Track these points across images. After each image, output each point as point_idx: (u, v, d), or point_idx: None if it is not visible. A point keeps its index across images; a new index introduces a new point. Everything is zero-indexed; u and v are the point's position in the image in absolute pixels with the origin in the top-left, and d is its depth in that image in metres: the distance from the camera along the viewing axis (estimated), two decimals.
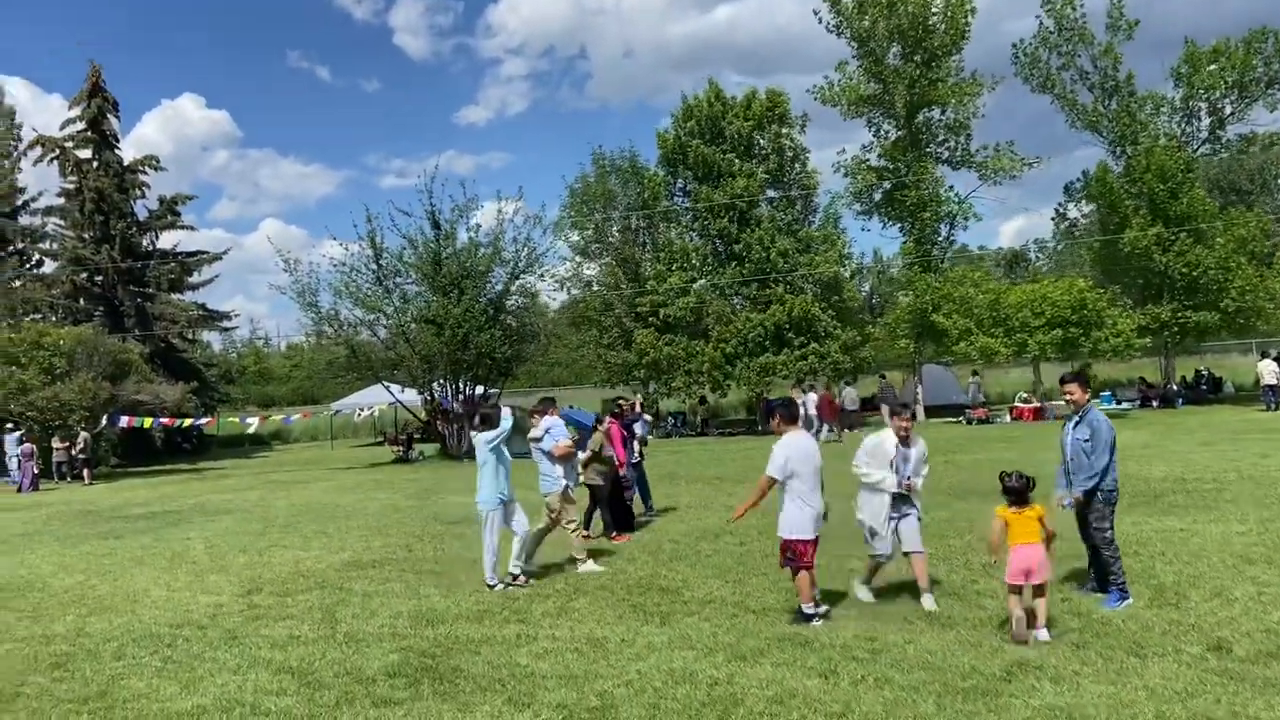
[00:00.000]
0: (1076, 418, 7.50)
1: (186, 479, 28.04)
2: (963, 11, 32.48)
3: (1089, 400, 7.68)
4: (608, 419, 12.74)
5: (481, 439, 9.52)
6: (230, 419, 35.45)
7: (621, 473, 12.25)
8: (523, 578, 9.38)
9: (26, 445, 26.77)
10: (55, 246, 39.92)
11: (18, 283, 38.74)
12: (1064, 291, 29.64)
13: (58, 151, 38.21)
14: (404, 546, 12.11)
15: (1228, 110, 33.09)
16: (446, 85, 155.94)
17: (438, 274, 27.65)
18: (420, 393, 29.59)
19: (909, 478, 7.56)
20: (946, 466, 17.47)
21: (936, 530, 10.39)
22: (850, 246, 34.45)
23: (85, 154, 38.35)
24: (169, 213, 41.02)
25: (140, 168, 40.05)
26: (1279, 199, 61.32)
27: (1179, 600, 7.26)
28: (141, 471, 31.96)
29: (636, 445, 13.66)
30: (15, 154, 46.26)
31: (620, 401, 14.44)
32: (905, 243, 34.51)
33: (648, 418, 32.27)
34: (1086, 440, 7.31)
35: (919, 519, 7.70)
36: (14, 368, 28.24)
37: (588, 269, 36.24)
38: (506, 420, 9.59)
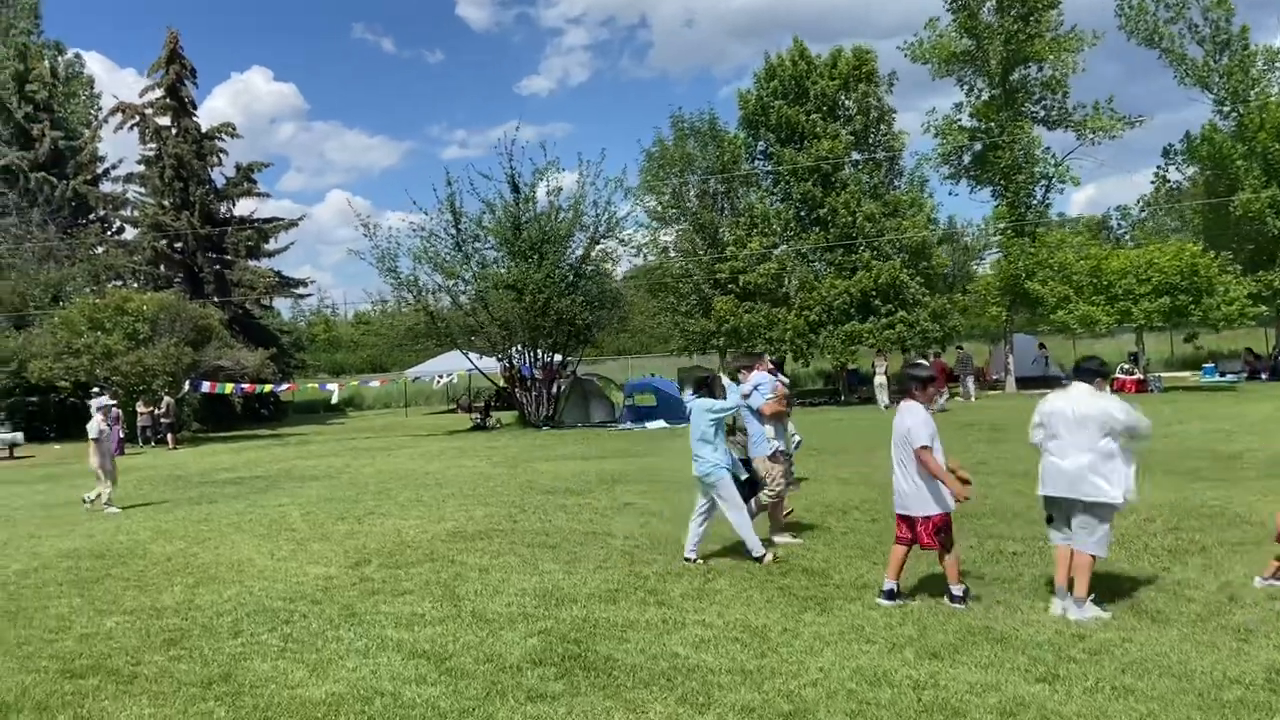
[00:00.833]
0: None
1: (268, 444, 28.10)
2: None
3: None
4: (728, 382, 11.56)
5: (702, 406, 8.48)
6: (310, 385, 35.51)
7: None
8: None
9: (113, 410, 26.95)
10: (136, 213, 40.34)
11: (100, 249, 39.26)
12: (1172, 257, 27.97)
13: (138, 118, 38.47)
14: (507, 517, 11.55)
15: None
16: (508, 55, 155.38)
17: (517, 238, 27.09)
18: (500, 360, 29.15)
19: None
20: None
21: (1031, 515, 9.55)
22: (937, 211, 32.94)
23: (164, 121, 38.54)
24: (245, 180, 41.16)
25: (217, 134, 40.17)
26: None
27: None
28: (222, 436, 32.23)
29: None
30: (95, 123, 46.96)
31: (760, 358, 12.69)
32: (998, 206, 32.98)
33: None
34: None
35: None
36: (99, 333, 28.48)
37: (664, 235, 35.36)
38: (734, 391, 8.68)
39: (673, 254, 35.30)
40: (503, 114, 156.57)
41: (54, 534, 12.11)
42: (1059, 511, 6.42)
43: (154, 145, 38.33)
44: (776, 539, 9.09)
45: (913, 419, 6.61)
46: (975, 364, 31.41)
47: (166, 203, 38.38)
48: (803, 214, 32.04)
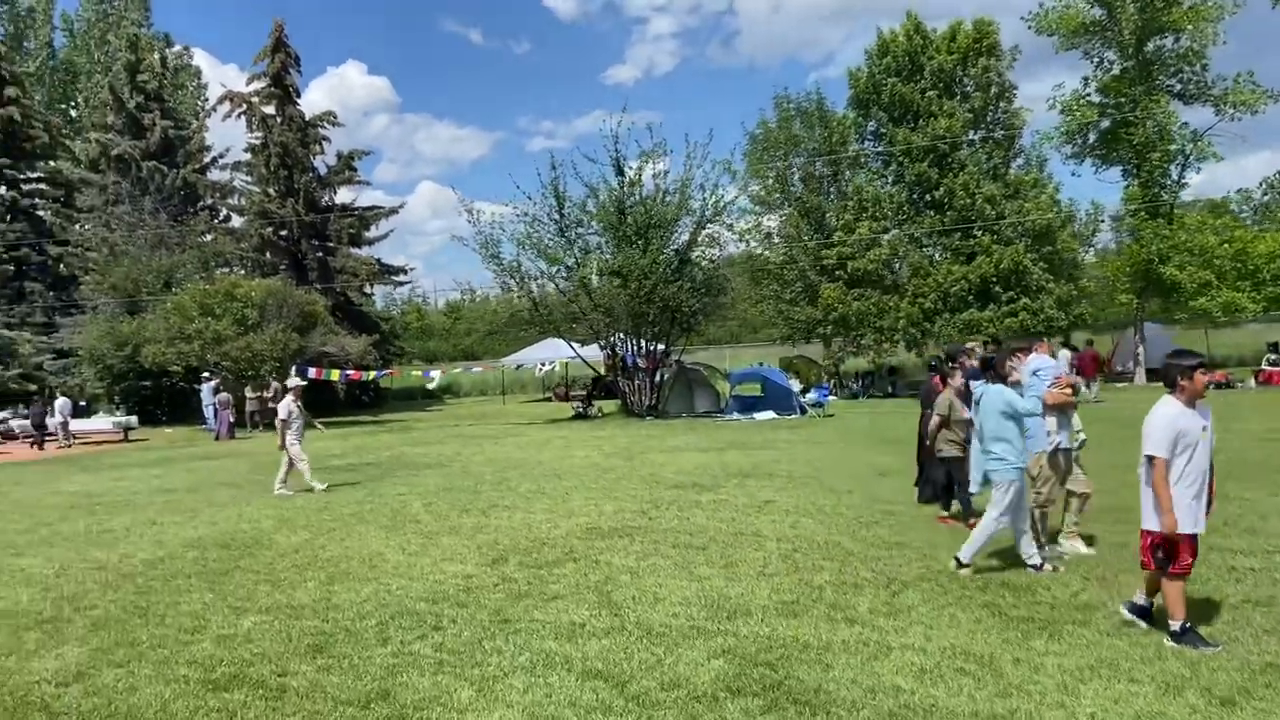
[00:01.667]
0: None
1: (372, 431, 28.07)
2: None
3: None
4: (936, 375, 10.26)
5: (996, 402, 7.40)
6: (415, 372, 35.51)
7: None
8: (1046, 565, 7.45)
9: (223, 394, 27.30)
10: (243, 201, 40.98)
11: (208, 236, 40.00)
12: None
13: (245, 106, 38.97)
14: (640, 513, 10.82)
15: None
16: (595, 45, 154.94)
17: (621, 223, 26.38)
18: (602, 348, 28.54)
19: None
20: (1228, 436, 14.96)
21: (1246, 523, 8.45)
22: (1060, 192, 31.05)
23: (269, 109, 38.99)
24: (346, 168, 41.40)
25: (320, 123, 40.50)
26: None
27: None
28: (326, 422, 32.36)
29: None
30: (203, 112, 48.02)
31: (968, 350, 10.64)
32: (1128, 186, 30.94)
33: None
34: None
35: None
36: (210, 318, 28.81)
37: (767, 220, 34.24)
38: (1036, 385, 7.68)
39: (776, 240, 34.18)
40: (588, 104, 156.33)
41: (175, 520, 11.86)
42: None
43: (260, 133, 38.82)
44: (1063, 545, 8.01)
45: (1154, 419, 5.60)
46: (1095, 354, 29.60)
47: (272, 190, 38.84)
48: (916, 196, 30.59)
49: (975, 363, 8.81)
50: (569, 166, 30.64)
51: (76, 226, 41.15)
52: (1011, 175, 30.02)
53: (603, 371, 30.32)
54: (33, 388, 32.18)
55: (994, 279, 28.35)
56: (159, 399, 33.35)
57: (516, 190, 49.56)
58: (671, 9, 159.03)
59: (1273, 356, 27.46)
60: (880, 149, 31.63)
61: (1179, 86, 30.45)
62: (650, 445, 19.17)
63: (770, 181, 33.21)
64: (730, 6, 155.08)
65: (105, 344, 30.97)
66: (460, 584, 7.79)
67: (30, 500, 14.63)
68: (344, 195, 42.17)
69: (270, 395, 28.76)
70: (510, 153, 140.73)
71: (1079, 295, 29.65)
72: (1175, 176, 30.63)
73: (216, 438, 26.47)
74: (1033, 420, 7.56)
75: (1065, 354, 23.34)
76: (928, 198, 30.30)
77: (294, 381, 14.80)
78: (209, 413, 28.34)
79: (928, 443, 9.55)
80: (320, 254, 39.45)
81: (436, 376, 32.97)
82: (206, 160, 43.19)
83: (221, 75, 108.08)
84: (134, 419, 29.13)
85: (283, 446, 13.91)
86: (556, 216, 27.00)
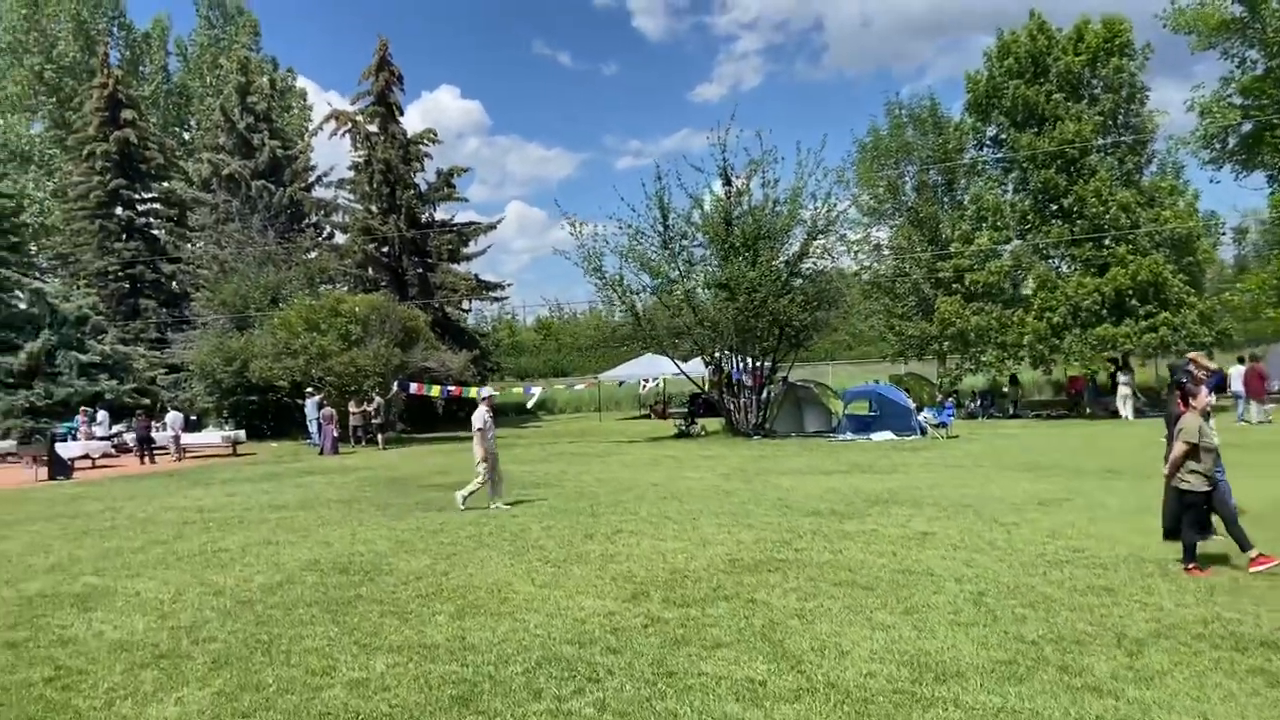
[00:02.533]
0: None
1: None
2: None
3: None
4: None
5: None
6: (515, 389, 35.19)
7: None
8: None
9: (327, 409, 27.26)
10: (346, 218, 41.46)
11: (313, 253, 40.54)
12: None
13: (349, 125, 39.45)
14: (782, 543, 9.84)
15: None
16: (682, 64, 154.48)
17: (728, 234, 25.45)
18: (707, 364, 27.59)
19: None
20: None
21: None
22: (1199, 199, 28.91)
23: (373, 128, 39.38)
24: (445, 185, 41.55)
25: (421, 140, 40.75)
26: None
27: None
28: (426, 438, 32.25)
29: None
30: (308, 132, 48.97)
31: (1195, 361, 9.75)
32: (1274, 193, 28.69)
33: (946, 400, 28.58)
34: None
35: None
36: (315, 334, 28.91)
37: (876, 231, 32.87)
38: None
39: (886, 251, 32.77)
40: (675, 123, 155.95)
41: (289, 540, 11.36)
42: None
43: (364, 151, 39.21)
44: None
45: None
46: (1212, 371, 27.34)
47: (374, 207, 39.16)
48: (1041, 205, 28.85)
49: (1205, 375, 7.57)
50: (673, 176, 29.66)
51: (188, 245, 42.24)
52: (1149, 181, 28.05)
53: (706, 388, 29.34)
54: (146, 402, 32.83)
55: (1130, 292, 26.43)
56: (264, 413, 33.72)
57: (621, 201, 49.00)
58: (759, 26, 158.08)
59: None
60: (1000, 155, 29.98)
61: None
62: (766, 466, 18.15)
63: (881, 190, 31.84)
64: (818, 22, 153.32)
65: (215, 359, 31.42)
66: (605, 623, 6.94)
67: (144, 515, 14.41)
68: (442, 212, 42.39)
69: (373, 409, 28.71)
70: (597, 172, 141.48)
71: (1222, 309, 27.48)
72: None
73: (321, 452, 26.41)
74: None
75: (1238, 369, 21.47)
76: (1054, 206, 28.54)
77: (486, 391, 14.56)
78: (313, 427, 28.38)
79: (1165, 474, 8.18)
80: (420, 270, 39.59)
81: (536, 393, 32.51)
82: (311, 179, 43.92)
83: (323, 101, 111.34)
84: (241, 433, 29.37)
85: (485, 459, 13.44)
86: (660, 229, 26.23)
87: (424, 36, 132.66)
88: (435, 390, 30.28)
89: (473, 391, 33.17)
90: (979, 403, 30.30)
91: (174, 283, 41.00)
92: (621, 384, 39.02)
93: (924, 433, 23.19)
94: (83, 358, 31.86)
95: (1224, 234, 31.67)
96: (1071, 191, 27.47)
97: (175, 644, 6.82)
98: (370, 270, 39.83)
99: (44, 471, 22.22)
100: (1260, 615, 6.47)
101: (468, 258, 42.18)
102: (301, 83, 58.83)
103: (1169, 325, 25.81)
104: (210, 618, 7.57)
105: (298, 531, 12.02)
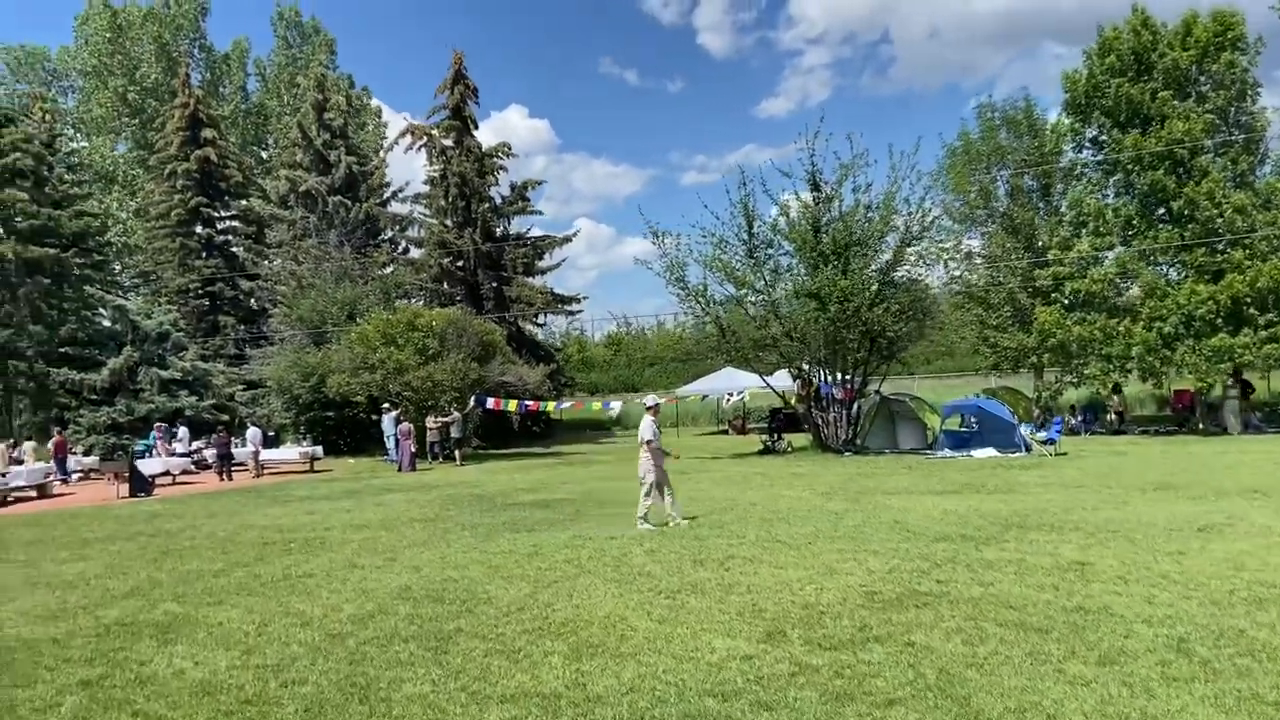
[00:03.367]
0: None
1: (552, 463, 26.97)
2: None
3: None
4: None
5: None
6: (594, 404, 34.49)
7: None
8: None
9: (404, 425, 26.82)
10: (421, 233, 41.38)
11: (389, 268, 40.49)
12: None
13: (425, 139, 39.37)
14: (920, 573, 8.78)
15: None
16: (747, 80, 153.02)
17: (817, 242, 24.38)
18: (794, 377, 26.47)
19: None
20: None
21: None
22: None
23: (448, 141, 39.25)
24: (520, 198, 41.25)
25: (496, 154, 40.50)
26: None
27: None
28: (503, 453, 31.70)
29: None
30: (383, 148, 49.22)
31: None
32: None
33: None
34: None
35: None
36: (392, 348, 28.58)
37: (968, 239, 31.40)
38: None
39: (978, 260, 31.28)
40: (740, 138, 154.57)
41: (376, 563, 10.66)
42: None
43: (439, 165, 39.07)
44: None
45: None
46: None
47: (450, 221, 38.96)
48: (1149, 209, 27.16)
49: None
50: (758, 183, 28.67)
51: (266, 261, 42.59)
52: (1266, 183, 26.21)
53: (793, 402, 28.19)
54: (225, 418, 32.92)
55: (1248, 299, 24.63)
56: (341, 429, 33.52)
57: (704, 208, 47.94)
58: (825, 41, 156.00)
59: None
60: (1100, 157, 28.34)
61: None
62: (866, 485, 17.00)
63: (973, 196, 30.41)
64: (885, 35, 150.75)
65: (292, 375, 31.33)
66: (745, 670, 6.02)
67: (224, 534, 13.92)
68: (516, 225, 42.05)
69: (450, 424, 28.22)
70: (664, 188, 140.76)
71: None
72: None
73: (399, 469, 25.96)
74: None
75: None
76: (1161, 210, 26.84)
77: (652, 399, 13.97)
78: (390, 443, 27.97)
79: None
80: (495, 283, 39.25)
81: (617, 408, 31.77)
82: (387, 194, 44.02)
83: (394, 121, 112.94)
84: (319, 449, 29.13)
85: (659, 465, 12.80)
86: (745, 237, 25.28)
87: (493, 58, 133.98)
88: (513, 405, 29.71)
89: (549, 406, 32.77)
90: (1081, 418, 28.59)
91: (252, 299, 41.35)
92: (704, 398, 37.97)
93: (1029, 449, 21.78)
94: (164, 374, 32.08)
95: None
96: (1181, 194, 25.76)
97: (262, 687, 6.08)
98: (446, 284, 39.60)
99: (125, 488, 22.11)
100: None
101: (542, 271, 41.75)
102: (374, 103, 59.44)
103: None
104: (299, 654, 6.83)
105: (383, 554, 11.32)
